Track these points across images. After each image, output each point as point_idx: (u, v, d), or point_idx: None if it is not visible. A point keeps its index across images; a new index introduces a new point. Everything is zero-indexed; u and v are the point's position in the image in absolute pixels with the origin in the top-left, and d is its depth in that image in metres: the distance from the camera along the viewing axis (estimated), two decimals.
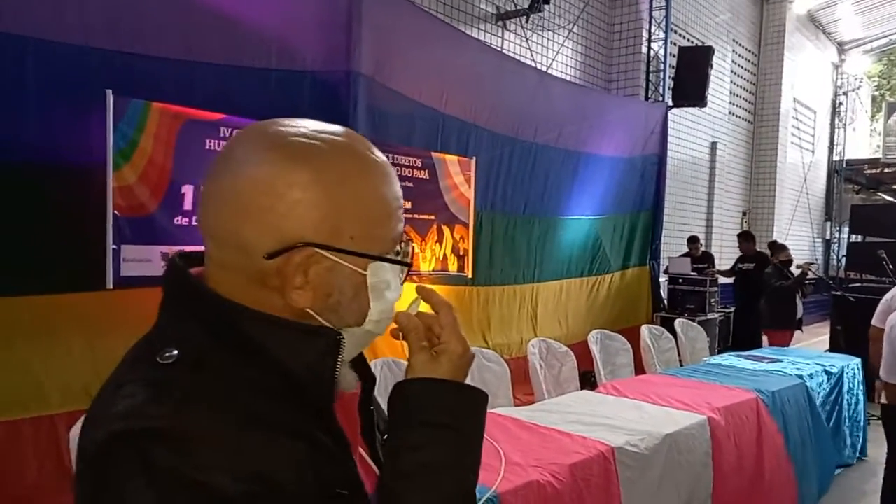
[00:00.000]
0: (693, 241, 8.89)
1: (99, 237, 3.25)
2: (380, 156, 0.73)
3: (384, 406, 0.80)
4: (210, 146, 3.60)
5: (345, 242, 0.69)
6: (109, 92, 3.22)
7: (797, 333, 7.35)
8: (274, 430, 0.64)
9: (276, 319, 0.68)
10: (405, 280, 0.77)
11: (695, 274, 8.07)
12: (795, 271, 7.37)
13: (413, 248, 0.77)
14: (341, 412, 0.73)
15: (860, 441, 5.02)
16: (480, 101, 5.61)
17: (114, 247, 3.27)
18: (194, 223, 3.50)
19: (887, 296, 3.67)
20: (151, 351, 0.67)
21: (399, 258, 0.74)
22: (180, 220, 3.46)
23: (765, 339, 7.41)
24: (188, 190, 3.49)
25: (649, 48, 9.05)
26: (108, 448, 0.61)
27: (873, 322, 3.60)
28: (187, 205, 3.49)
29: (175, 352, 0.66)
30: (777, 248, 7.72)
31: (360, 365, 0.80)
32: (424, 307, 0.78)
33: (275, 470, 0.62)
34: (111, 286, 3.27)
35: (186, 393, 0.63)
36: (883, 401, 3.42)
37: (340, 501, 0.68)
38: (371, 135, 4.59)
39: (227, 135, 3.65)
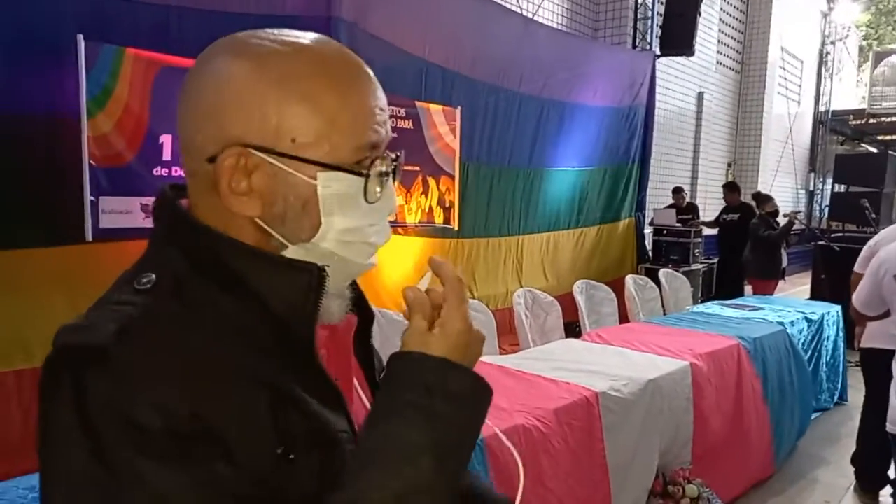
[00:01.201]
0: (677, 191, 8.90)
1: (76, 189, 3.19)
2: (354, 62, 0.67)
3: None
4: None
5: (285, 146, 0.63)
6: (80, 37, 3.12)
7: (780, 283, 7.44)
8: (236, 374, 0.60)
9: (256, 251, 0.65)
10: (390, 213, 0.71)
11: (679, 225, 8.10)
12: (781, 221, 7.42)
13: (396, 165, 0.70)
14: (336, 356, 0.70)
15: (838, 386, 5.13)
16: (464, 48, 5.49)
17: (91, 198, 3.21)
18: (175, 173, 3.43)
19: (870, 242, 3.69)
20: (133, 277, 0.65)
21: (365, 172, 0.66)
22: (159, 171, 3.39)
23: (749, 288, 7.49)
24: (167, 140, 3.41)
25: None
26: (49, 364, 0.58)
27: (855, 268, 3.63)
28: (166, 155, 3.41)
29: (153, 276, 0.63)
30: (762, 198, 7.75)
31: (358, 301, 0.75)
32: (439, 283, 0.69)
33: (219, 417, 0.57)
34: (90, 239, 3.23)
35: (150, 319, 0.60)
36: (862, 345, 3.48)
37: (295, 463, 0.63)
38: None
39: None
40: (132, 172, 3.33)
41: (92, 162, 3.18)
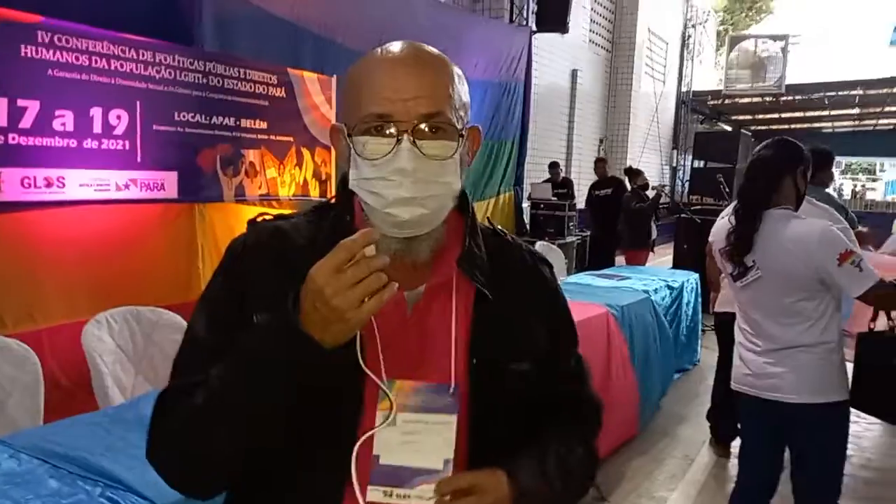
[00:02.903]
0: (554, 166, 9.17)
1: None
2: (386, 56, 0.88)
3: None
4: (27, 53, 3.14)
5: (343, 118, 0.90)
6: None
7: (650, 254, 7.88)
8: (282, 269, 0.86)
9: (343, 194, 0.93)
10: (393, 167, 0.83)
11: (555, 199, 8.36)
12: (650, 194, 7.83)
13: (403, 132, 0.83)
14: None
15: (697, 348, 5.52)
16: (336, 14, 5.31)
17: None
18: (10, 142, 3.08)
19: (722, 214, 3.95)
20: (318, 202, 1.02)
21: (349, 134, 0.87)
22: None
23: (622, 258, 7.88)
24: (1, 103, 3.04)
25: None
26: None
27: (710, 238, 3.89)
28: (1, 121, 3.04)
29: (316, 204, 1.00)
30: (633, 172, 8.13)
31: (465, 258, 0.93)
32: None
33: (267, 307, 0.83)
34: None
35: (287, 219, 0.96)
36: (716, 310, 3.74)
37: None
38: (219, 47, 4.23)
39: (47, 40, 3.20)
40: None
41: None
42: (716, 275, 3.61)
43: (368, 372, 0.85)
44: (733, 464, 3.75)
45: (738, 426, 2.87)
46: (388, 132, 0.84)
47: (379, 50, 0.89)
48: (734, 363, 2.44)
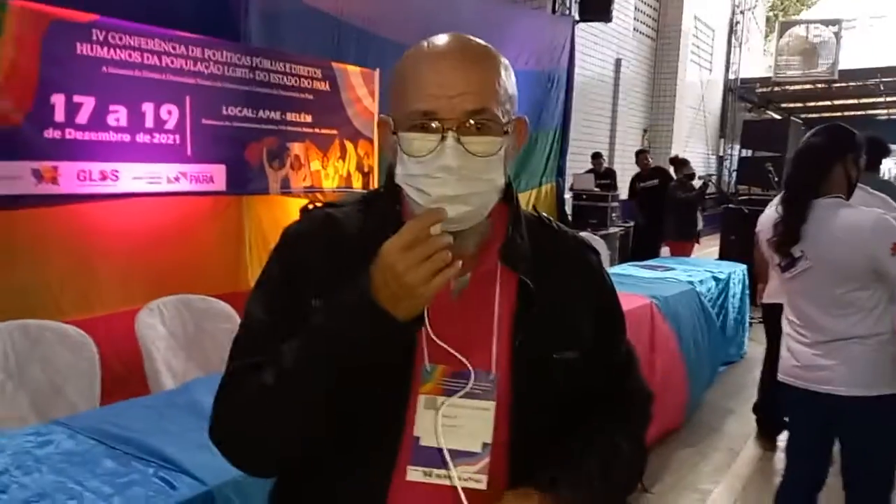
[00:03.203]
0: (596, 157, 9.07)
1: None
2: (432, 52, 0.88)
3: None
4: (82, 51, 3.25)
5: (390, 112, 0.90)
6: None
7: (695, 245, 7.74)
8: (345, 270, 0.85)
9: (391, 185, 0.92)
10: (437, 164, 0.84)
11: (598, 190, 8.27)
12: (696, 184, 7.68)
13: (448, 129, 0.83)
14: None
15: (744, 340, 5.41)
16: (381, 8, 5.35)
17: None
18: (68, 136, 3.20)
19: (771, 203, 3.87)
20: (365, 191, 1.09)
21: (395, 132, 0.87)
22: (52, 134, 3.14)
23: (666, 249, 7.75)
24: (59, 100, 3.16)
25: None
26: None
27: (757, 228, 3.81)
28: (59, 116, 3.16)
29: (365, 192, 1.04)
30: (679, 162, 7.98)
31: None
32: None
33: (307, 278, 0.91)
34: None
35: (335, 213, 0.97)
36: (764, 301, 3.66)
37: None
38: (265, 42, 4.31)
39: (102, 38, 3.31)
40: (22, 135, 3.07)
41: None
42: (763, 266, 3.54)
43: (439, 342, 0.88)
44: (780, 458, 3.68)
45: (786, 419, 2.81)
46: (433, 129, 0.84)
47: (425, 43, 0.89)
48: (782, 354, 2.39)
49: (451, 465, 0.87)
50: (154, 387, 2.54)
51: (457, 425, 0.88)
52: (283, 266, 0.95)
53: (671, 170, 8.20)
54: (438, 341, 0.88)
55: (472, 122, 0.84)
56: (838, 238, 2.12)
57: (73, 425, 1.81)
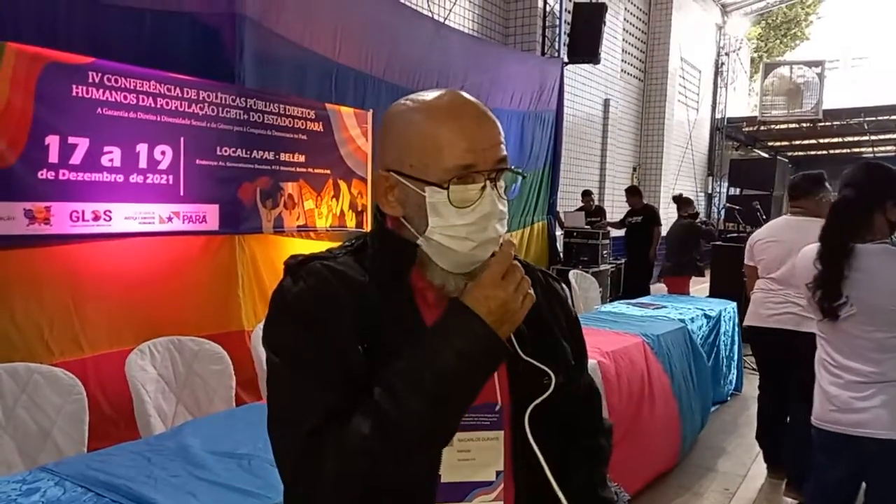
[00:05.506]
0: (586, 194, 9.16)
1: None
2: (455, 108, 0.93)
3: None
4: (78, 93, 3.29)
5: (406, 169, 0.93)
6: None
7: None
8: (345, 313, 0.91)
9: (385, 230, 0.99)
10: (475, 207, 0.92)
11: (588, 227, 8.34)
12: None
13: (490, 179, 0.94)
14: None
15: (735, 378, 5.40)
16: (376, 50, 5.44)
17: None
18: (61, 177, 3.21)
19: (753, 235, 3.95)
20: (351, 239, 1.05)
21: (445, 186, 0.90)
22: (45, 174, 3.16)
23: (660, 287, 7.77)
24: (53, 141, 3.18)
25: (545, 3, 9.09)
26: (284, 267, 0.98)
27: (745, 261, 3.88)
28: (53, 157, 3.18)
29: (355, 241, 1.03)
30: (683, 201, 8.02)
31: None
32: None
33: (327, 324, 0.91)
34: None
35: (334, 259, 0.97)
36: (745, 324, 3.72)
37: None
38: (260, 84, 4.36)
39: (97, 80, 3.35)
40: (14, 175, 3.08)
41: None
42: (753, 283, 3.68)
43: (526, 358, 0.96)
44: (777, 498, 3.65)
45: (805, 459, 2.76)
46: (472, 181, 0.92)
47: (434, 102, 0.95)
48: (816, 399, 2.34)
49: (468, 496, 0.95)
50: (144, 430, 2.51)
51: (471, 458, 0.95)
52: (315, 330, 0.90)
53: (675, 207, 8.27)
54: (526, 357, 0.97)
55: (498, 170, 0.94)
56: (886, 285, 2.11)
57: (59, 472, 1.78)
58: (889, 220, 2.21)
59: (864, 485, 2.31)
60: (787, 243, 3.52)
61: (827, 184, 3.58)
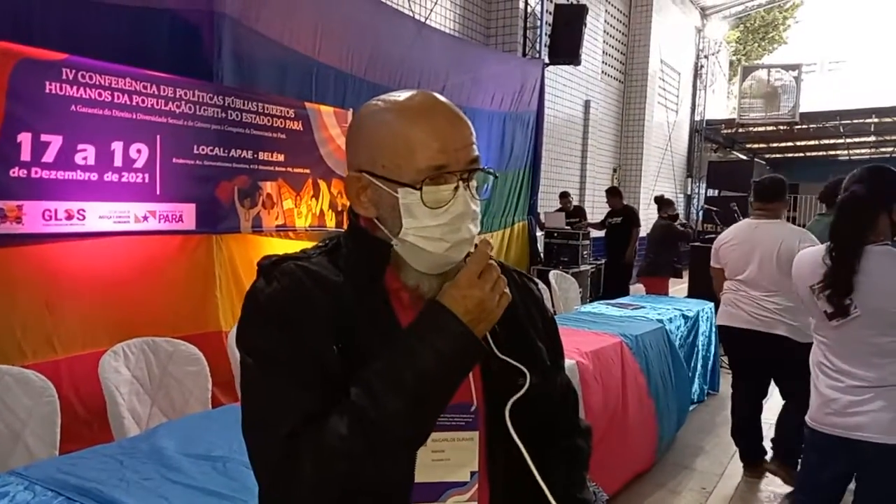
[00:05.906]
0: (564, 196, 9.20)
1: None
2: (427, 109, 0.93)
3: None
4: (51, 90, 3.23)
5: (378, 170, 0.93)
6: None
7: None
8: (320, 312, 0.90)
9: (358, 229, 0.98)
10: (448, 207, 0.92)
11: (569, 228, 8.37)
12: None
13: (462, 179, 0.94)
14: None
15: (713, 378, 5.45)
16: (357, 49, 5.42)
17: None
18: (34, 175, 3.16)
19: (718, 238, 4.03)
20: (325, 239, 1.04)
21: (418, 187, 0.90)
22: (17, 172, 3.10)
23: (639, 287, 7.82)
24: (25, 138, 3.12)
25: (526, 4, 9.11)
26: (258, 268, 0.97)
27: (711, 263, 3.97)
28: (25, 155, 3.13)
29: (329, 241, 1.02)
30: (664, 203, 8.08)
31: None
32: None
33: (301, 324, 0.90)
34: None
35: (304, 262, 0.95)
36: (718, 323, 3.78)
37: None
38: (239, 82, 4.33)
39: (71, 77, 3.30)
40: None
41: None
42: (720, 283, 3.81)
43: (501, 356, 0.96)
44: (753, 496, 3.69)
45: (791, 457, 2.80)
46: (445, 181, 0.92)
47: (405, 103, 0.94)
48: (812, 400, 2.34)
49: (442, 497, 0.95)
50: (117, 432, 2.47)
51: (445, 458, 0.95)
52: (289, 331, 0.89)
53: (656, 208, 8.32)
54: (501, 356, 0.97)
55: (470, 170, 0.94)
56: (888, 287, 2.11)
57: (29, 475, 1.75)
58: (894, 220, 2.21)
59: (852, 484, 2.32)
60: (750, 245, 3.58)
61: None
